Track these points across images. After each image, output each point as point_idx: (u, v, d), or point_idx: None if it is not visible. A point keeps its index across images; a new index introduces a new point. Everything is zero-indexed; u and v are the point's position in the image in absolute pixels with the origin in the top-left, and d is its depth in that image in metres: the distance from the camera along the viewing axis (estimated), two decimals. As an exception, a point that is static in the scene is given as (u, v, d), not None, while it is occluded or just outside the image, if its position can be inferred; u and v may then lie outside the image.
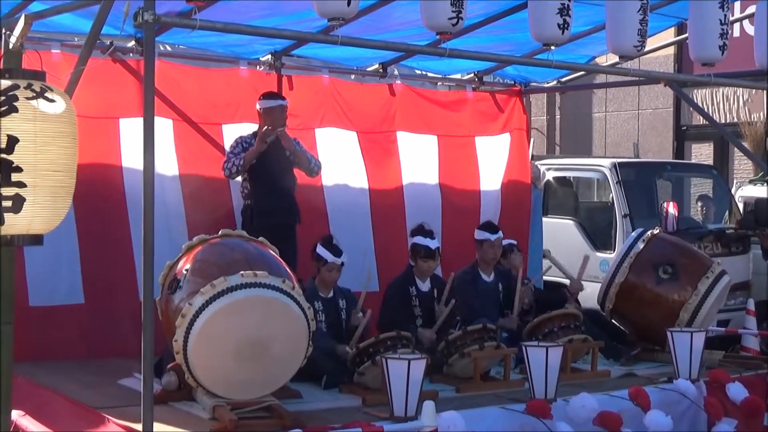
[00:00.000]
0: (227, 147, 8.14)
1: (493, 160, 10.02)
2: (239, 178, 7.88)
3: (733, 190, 12.44)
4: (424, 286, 7.46)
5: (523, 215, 10.09)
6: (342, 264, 7.08)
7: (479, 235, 7.95)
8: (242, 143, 7.84)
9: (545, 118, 19.96)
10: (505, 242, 8.14)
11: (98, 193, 7.60)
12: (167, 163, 8.07)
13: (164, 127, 8.00)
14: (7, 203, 4.48)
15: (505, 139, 10.11)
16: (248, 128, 8.15)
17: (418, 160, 9.54)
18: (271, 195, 7.78)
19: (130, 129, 7.90)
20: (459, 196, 9.72)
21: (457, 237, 9.02)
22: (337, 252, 7.06)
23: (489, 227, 8.00)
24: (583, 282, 8.20)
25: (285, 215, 7.86)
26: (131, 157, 7.84)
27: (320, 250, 7.05)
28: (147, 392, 4.98)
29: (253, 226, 7.43)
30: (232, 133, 8.30)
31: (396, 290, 7.49)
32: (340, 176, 8.85)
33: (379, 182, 9.22)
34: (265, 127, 7.72)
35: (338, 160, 8.75)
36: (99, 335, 7.61)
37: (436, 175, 9.65)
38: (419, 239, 7.49)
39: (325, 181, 8.65)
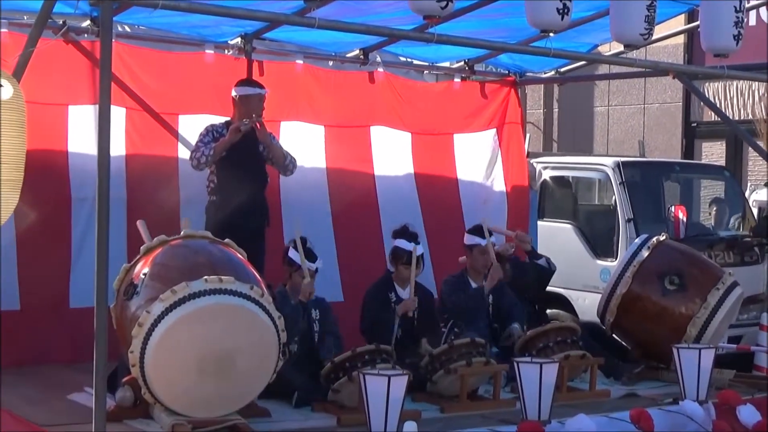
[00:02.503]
0: (185, 139, 8.10)
1: (476, 159, 9.99)
2: (207, 170, 7.81)
3: (746, 194, 12.53)
4: (405, 293, 7.45)
5: (520, 217, 10.07)
6: (316, 270, 7.10)
7: (469, 239, 7.99)
8: (213, 132, 7.80)
9: (542, 111, 20.06)
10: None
11: (41, 187, 7.39)
12: (113, 156, 7.98)
13: (117, 116, 7.94)
14: (-53, 199, 4.49)
15: (489, 135, 10.11)
16: (207, 120, 8.10)
17: (394, 157, 9.54)
18: (239, 192, 7.72)
19: (80, 117, 7.90)
20: (439, 197, 9.68)
21: (440, 240, 9.04)
22: (311, 257, 7.07)
23: (479, 231, 7.97)
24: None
25: (253, 215, 7.82)
26: (79, 149, 7.83)
27: (293, 254, 7.06)
28: (99, 409, 4.98)
29: (217, 225, 7.42)
30: (188, 124, 8.31)
31: (375, 296, 7.49)
32: (299, 174, 8.55)
33: (344, 181, 9.16)
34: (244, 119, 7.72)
35: (301, 157, 8.62)
36: (32, 344, 7.61)
37: (412, 175, 9.63)
38: (402, 243, 7.48)
39: (282, 179, 8.50)
